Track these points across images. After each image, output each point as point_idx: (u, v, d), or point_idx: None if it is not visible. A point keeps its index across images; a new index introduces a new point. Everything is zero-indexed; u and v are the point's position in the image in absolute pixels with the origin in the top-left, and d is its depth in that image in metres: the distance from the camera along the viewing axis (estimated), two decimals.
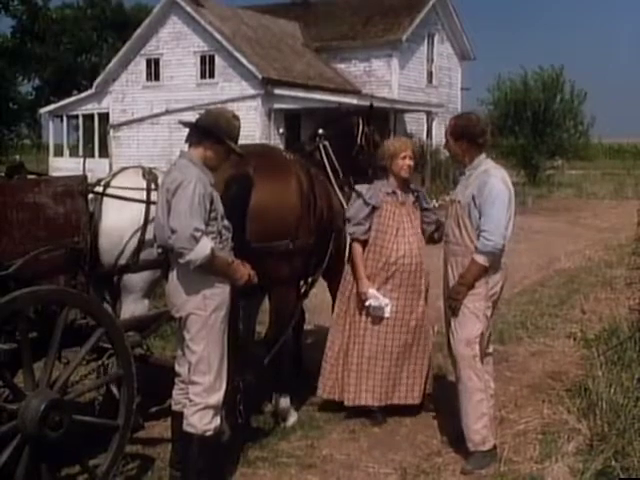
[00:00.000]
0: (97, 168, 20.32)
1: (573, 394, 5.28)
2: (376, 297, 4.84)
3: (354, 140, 5.63)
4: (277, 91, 23.28)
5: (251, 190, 4.40)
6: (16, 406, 3.39)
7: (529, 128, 28.20)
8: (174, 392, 3.99)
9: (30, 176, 4.13)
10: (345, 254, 5.24)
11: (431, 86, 28.68)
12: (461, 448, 4.46)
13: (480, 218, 4.26)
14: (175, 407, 3.97)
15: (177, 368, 3.95)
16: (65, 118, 29.14)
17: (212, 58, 24.78)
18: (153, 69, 26.14)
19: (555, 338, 7.11)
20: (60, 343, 3.53)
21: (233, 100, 23.12)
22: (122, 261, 4.42)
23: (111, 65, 27.14)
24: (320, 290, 5.61)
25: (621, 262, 11.30)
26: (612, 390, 4.80)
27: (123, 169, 4.83)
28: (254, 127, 22.59)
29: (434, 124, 25.56)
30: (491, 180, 4.28)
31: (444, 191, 17.17)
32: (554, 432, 4.69)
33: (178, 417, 3.87)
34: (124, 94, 26.73)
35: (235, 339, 4.25)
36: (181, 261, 3.60)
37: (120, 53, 27.00)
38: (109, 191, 4.46)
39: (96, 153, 28.06)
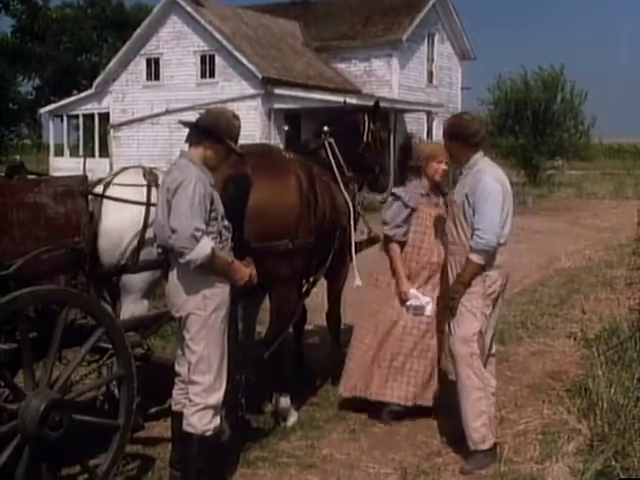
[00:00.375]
0: (97, 168, 20.28)
1: (573, 394, 5.28)
2: (417, 297, 4.93)
3: (360, 137, 5.63)
4: (277, 91, 23.26)
5: (250, 190, 4.39)
6: (16, 406, 3.39)
7: (529, 128, 28.20)
8: (174, 392, 3.99)
9: (30, 176, 4.13)
10: (347, 254, 5.24)
11: (431, 86, 28.67)
12: (461, 448, 4.46)
13: (474, 216, 4.28)
14: (175, 407, 3.97)
15: (177, 368, 3.95)
16: (65, 118, 29.13)
17: (212, 58, 24.77)
18: (153, 69, 26.12)
19: (555, 338, 7.11)
20: (60, 343, 3.53)
21: (233, 100, 23.11)
22: (122, 261, 4.42)
23: (111, 65, 27.12)
24: (321, 289, 5.61)
25: (621, 262, 11.30)
26: (612, 390, 4.80)
27: (123, 169, 4.83)
28: (254, 127, 22.57)
29: (434, 124, 25.53)
30: (484, 178, 4.30)
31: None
32: (554, 432, 4.69)
33: (178, 417, 3.87)
34: (124, 94, 26.72)
35: (235, 338, 4.25)
36: (181, 261, 3.59)
37: (120, 53, 26.97)
38: (110, 190, 4.46)
39: (96, 153, 28.05)
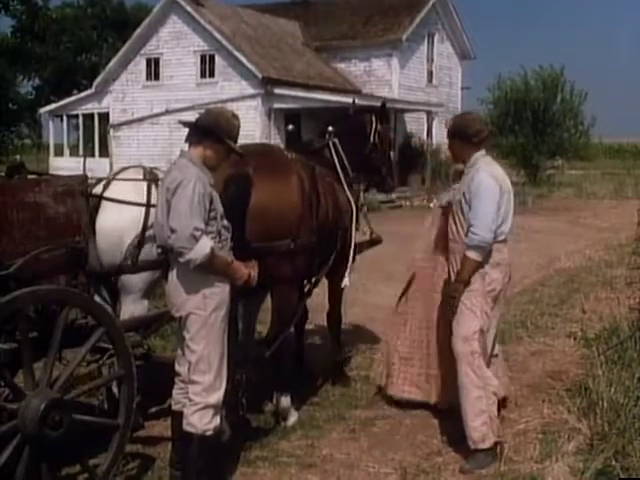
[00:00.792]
0: (97, 168, 20.33)
1: (573, 393, 5.27)
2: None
3: (367, 138, 5.60)
4: (277, 90, 23.26)
5: (252, 190, 4.39)
6: (16, 406, 3.39)
7: (529, 128, 28.17)
8: (174, 391, 3.99)
9: (30, 176, 4.13)
10: (350, 253, 5.22)
11: (431, 85, 28.68)
12: (461, 448, 4.46)
13: (469, 213, 4.29)
14: (175, 407, 3.97)
15: (177, 367, 3.95)
16: (65, 118, 29.14)
17: (212, 57, 24.77)
18: (153, 69, 26.13)
19: (555, 337, 7.11)
20: (60, 343, 3.53)
21: (233, 99, 23.11)
22: (122, 261, 4.41)
23: (111, 65, 27.13)
24: (323, 289, 5.61)
25: (621, 262, 11.29)
26: (612, 389, 4.79)
27: (123, 169, 4.83)
28: (254, 127, 22.57)
29: (434, 124, 25.52)
30: (479, 175, 4.31)
31: (444, 191, 17.15)
32: (554, 431, 4.68)
33: (178, 417, 3.87)
34: (124, 94, 26.73)
35: (235, 338, 4.25)
36: (181, 260, 3.60)
37: (120, 53, 26.99)
38: (110, 190, 4.46)
39: (96, 153, 28.06)
